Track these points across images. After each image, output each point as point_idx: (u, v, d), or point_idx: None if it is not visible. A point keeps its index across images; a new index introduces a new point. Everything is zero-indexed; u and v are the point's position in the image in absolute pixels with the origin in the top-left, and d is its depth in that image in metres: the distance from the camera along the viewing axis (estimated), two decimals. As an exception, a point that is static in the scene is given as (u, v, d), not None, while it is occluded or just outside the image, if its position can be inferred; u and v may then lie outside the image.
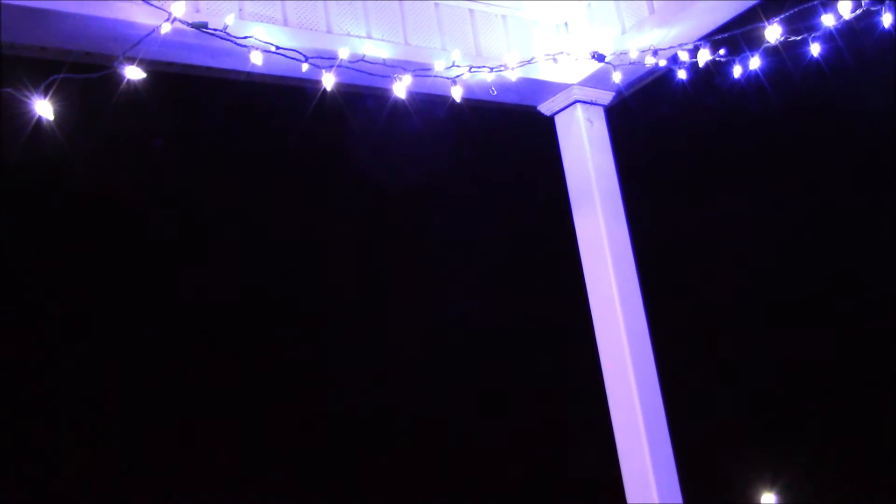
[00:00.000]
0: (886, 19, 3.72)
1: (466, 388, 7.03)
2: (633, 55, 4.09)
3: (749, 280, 6.62)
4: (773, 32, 3.74)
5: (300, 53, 3.51)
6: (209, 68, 3.62)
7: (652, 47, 4.06)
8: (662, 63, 4.11)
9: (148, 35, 3.16)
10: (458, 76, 3.91)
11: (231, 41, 3.35)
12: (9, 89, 2.74)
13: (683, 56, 4.03)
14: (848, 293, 6.10)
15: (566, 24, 4.59)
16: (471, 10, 4.32)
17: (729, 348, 6.70)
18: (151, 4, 3.22)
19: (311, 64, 3.54)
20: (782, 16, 3.71)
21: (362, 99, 4.07)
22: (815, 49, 3.82)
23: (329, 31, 3.78)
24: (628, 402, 4.14)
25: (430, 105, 4.18)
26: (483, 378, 7.09)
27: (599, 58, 4.13)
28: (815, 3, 3.63)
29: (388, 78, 3.73)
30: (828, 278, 6.25)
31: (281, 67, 3.59)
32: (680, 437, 4.14)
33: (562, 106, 4.57)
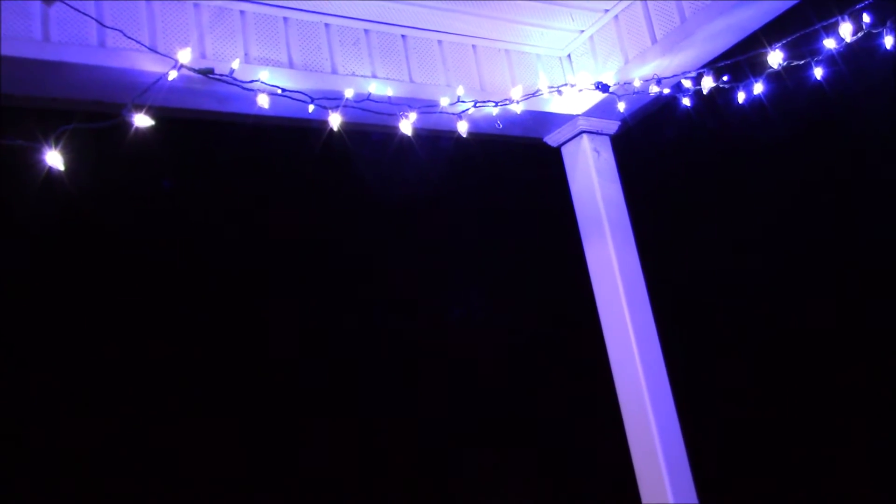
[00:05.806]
0: (888, 41, 3.74)
1: (472, 416, 6.99)
2: (637, 84, 4.12)
3: (760, 305, 6.60)
4: (776, 58, 3.75)
5: (306, 95, 3.54)
6: (217, 112, 3.65)
7: (655, 76, 4.08)
8: (666, 91, 4.13)
9: (155, 82, 3.19)
10: (463, 111, 3.93)
11: (238, 85, 3.38)
12: (20, 141, 2.77)
13: (687, 84, 4.06)
14: (854, 315, 6.08)
15: (569, 55, 4.63)
16: (474, 46, 4.36)
17: (741, 374, 6.67)
18: (158, 52, 3.26)
19: (317, 105, 3.57)
20: (784, 41, 3.73)
21: (368, 137, 4.09)
22: (818, 72, 3.83)
23: (334, 72, 3.82)
24: (645, 428, 4.11)
25: (436, 140, 4.20)
26: (493, 410, 7.05)
27: (603, 88, 4.16)
28: (817, 27, 3.64)
29: (395, 115, 3.76)
30: (834, 303, 6.23)
31: (288, 109, 3.62)
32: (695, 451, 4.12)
33: (568, 137, 4.59)
